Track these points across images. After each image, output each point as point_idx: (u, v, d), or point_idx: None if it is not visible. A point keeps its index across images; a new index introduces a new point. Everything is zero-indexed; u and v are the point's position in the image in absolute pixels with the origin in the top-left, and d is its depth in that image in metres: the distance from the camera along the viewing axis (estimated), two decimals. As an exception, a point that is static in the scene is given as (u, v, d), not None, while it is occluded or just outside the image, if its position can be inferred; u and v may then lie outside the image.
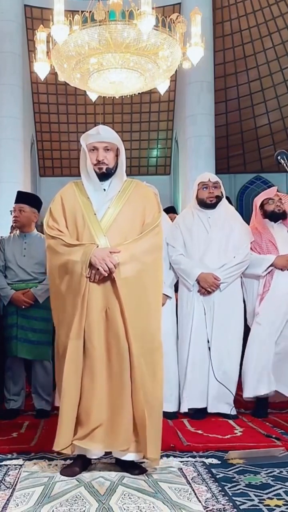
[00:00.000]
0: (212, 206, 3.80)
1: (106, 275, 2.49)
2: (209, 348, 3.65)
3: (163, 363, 2.64)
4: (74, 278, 2.53)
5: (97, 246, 2.53)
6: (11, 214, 4.00)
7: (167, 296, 3.75)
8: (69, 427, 2.51)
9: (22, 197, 3.98)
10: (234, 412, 3.67)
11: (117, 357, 2.50)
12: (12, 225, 4.61)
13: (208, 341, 3.66)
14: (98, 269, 2.48)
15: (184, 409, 3.68)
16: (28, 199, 3.96)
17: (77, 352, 2.51)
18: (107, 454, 2.65)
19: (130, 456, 2.54)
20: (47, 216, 2.72)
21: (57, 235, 2.62)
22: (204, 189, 3.81)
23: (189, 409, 3.70)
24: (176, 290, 3.94)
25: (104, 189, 2.68)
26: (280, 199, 3.88)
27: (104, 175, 2.66)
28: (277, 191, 3.99)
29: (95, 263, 2.48)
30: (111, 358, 2.51)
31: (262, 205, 3.90)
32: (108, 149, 2.67)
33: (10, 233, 4.45)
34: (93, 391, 2.50)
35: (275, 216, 3.85)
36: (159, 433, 2.57)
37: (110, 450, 2.60)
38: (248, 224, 3.99)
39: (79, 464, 2.58)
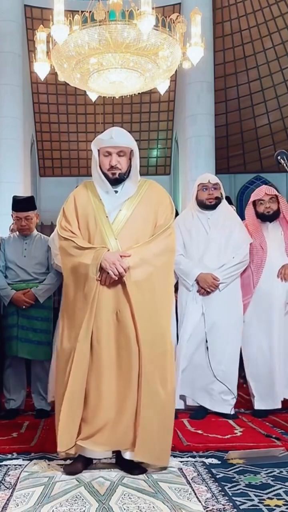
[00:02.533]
0: (212, 207, 3.80)
1: (116, 279, 2.50)
2: (207, 348, 3.65)
3: (174, 366, 2.64)
4: (84, 281, 2.54)
5: (108, 250, 2.54)
6: (12, 217, 3.96)
7: None
8: (73, 427, 2.51)
9: (25, 204, 3.88)
10: (233, 411, 3.66)
11: (127, 359, 2.50)
12: (10, 227, 4.61)
13: (207, 341, 3.66)
14: (108, 273, 2.49)
15: (181, 406, 3.70)
16: (30, 205, 3.91)
17: (85, 353, 2.51)
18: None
19: (131, 456, 2.54)
20: (60, 216, 2.72)
21: (69, 237, 2.62)
22: (204, 190, 3.80)
23: (190, 407, 3.72)
24: (175, 290, 3.93)
25: (116, 191, 2.67)
26: (273, 197, 3.77)
27: (117, 180, 2.65)
28: (275, 188, 3.92)
29: (106, 267, 2.49)
30: (120, 360, 2.51)
31: (254, 204, 3.85)
32: (121, 155, 2.64)
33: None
34: (100, 392, 2.49)
35: (265, 218, 3.81)
36: (167, 438, 2.57)
37: (113, 450, 2.60)
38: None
39: (82, 461, 2.58)
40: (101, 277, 2.52)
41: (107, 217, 2.62)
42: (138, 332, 2.49)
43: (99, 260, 2.50)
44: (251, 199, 3.86)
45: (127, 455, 2.55)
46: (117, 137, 2.64)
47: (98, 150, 2.68)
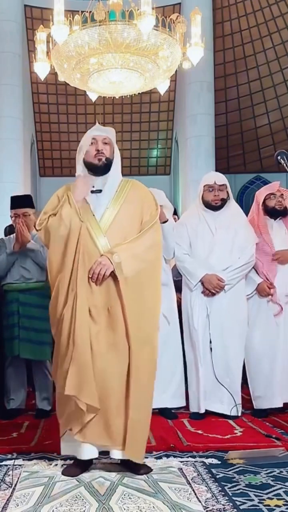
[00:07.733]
0: (218, 208, 3.78)
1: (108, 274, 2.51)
2: (211, 349, 3.64)
3: (157, 363, 2.65)
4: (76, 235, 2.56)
5: (97, 248, 2.55)
6: (11, 218, 3.97)
7: None
8: (84, 382, 2.46)
9: (22, 201, 3.91)
10: (234, 413, 3.63)
11: (117, 356, 2.50)
12: (6, 229, 4.63)
13: (211, 342, 3.65)
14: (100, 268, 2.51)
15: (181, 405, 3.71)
16: (27, 201, 3.93)
17: (86, 321, 2.50)
18: (103, 454, 2.64)
19: (120, 455, 2.54)
20: (41, 213, 2.74)
21: (54, 212, 2.66)
22: (210, 191, 3.77)
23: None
24: (178, 290, 3.93)
25: (101, 190, 2.69)
26: (282, 194, 3.80)
27: (103, 167, 2.68)
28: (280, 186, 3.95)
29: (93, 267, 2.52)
30: (112, 357, 2.51)
31: (263, 200, 3.84)
32: (106, 142, 2.72)
33: (6, 235, 4.45)
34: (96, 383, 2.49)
35: (275, 213, 3.80)
36: (147, 433, 2.59)
37: (103, 446, 2.59)
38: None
39: (81, 464, 2.58)
40: (92, 274, 2.52)
41: (93, 215, 2.63)
42: (128, 328, 2.50)
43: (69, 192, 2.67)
44: (264, 193, 3.84)
45: (116, 454, 2.54)
46: (103, 128, 2.76)
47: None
